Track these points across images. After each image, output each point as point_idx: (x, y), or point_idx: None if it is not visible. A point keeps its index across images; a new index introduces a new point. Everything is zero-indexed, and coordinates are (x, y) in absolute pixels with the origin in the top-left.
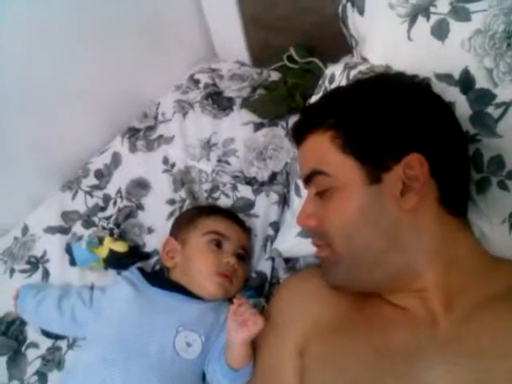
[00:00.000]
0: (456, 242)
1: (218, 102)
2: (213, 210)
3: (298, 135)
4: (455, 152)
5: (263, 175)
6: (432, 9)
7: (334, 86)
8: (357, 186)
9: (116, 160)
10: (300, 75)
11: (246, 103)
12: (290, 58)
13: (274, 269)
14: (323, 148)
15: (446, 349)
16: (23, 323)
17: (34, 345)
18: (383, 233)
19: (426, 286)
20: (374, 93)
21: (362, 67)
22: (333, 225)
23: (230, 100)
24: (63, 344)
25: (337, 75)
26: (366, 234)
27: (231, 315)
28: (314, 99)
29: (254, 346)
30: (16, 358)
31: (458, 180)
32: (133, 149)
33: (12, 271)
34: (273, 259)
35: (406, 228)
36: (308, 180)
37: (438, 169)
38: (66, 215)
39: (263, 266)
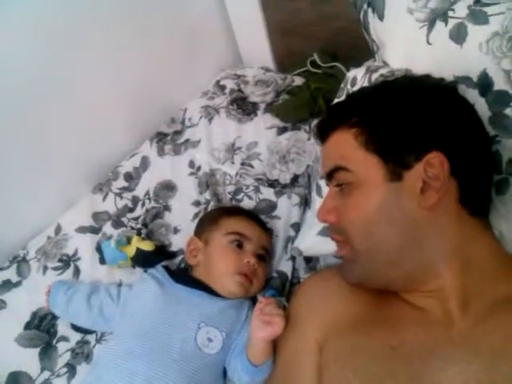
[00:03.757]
0: (475, 243)
1: (243, 106)
2: (235, 211)
3: (323, 132)
4: (478, 152)
5: (285, 178)
6: (450, 13)
7: (355, 88)
8: (377, 183)
9: (145, 163)
10: (323, 80)
11: (270, 108)
12: (313, 63)
13: (294, 269)
14: (346, 145)
15: (461, 349)
16: (55, 318)
17: (65, 338)
18: (401, 230)
19: (443, 286)
20: (398, 92)
21: (384, 71)
22: (351, 221)
23: (255, 105)
24: (92, 338)
25: (358, 78)
26: (384, 230)
27: (257, 313)
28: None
29: (275, 341)
30: (48, 350)
31: (479, 180)
32: (161, 153)
33: (45, 268)
34: (294, 259)
35: (425, 226)
36: (330, 176)
37: (460, 168)
38: (96, 216)
39: (284, 266)
